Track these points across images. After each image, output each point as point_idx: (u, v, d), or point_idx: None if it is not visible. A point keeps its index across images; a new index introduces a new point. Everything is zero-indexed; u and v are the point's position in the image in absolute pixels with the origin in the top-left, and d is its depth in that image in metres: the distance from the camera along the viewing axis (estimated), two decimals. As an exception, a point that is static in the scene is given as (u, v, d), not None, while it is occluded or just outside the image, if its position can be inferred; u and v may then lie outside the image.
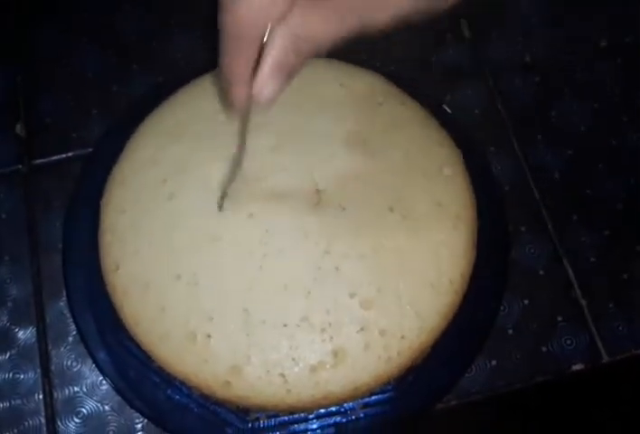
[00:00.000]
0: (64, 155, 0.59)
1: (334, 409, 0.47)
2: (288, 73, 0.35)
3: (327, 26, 0.33)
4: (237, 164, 0.45)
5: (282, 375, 0.42)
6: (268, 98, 0.36)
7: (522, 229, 0.55)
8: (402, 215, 0.46)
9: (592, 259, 0.55)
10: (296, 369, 0.42)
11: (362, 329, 0.43)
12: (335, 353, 0.43)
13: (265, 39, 0.33)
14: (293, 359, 0.42)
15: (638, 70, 0.62)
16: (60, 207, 0.56)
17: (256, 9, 0.33)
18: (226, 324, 0.43)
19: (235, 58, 0.35)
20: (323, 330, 0.43)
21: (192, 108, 0.51)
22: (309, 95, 0.50)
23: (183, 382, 0.45)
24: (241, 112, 0.39)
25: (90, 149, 0.57)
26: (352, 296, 0.43)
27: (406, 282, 0.44)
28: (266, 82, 0.35)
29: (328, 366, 0.42)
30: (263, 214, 0.45)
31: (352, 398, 0.44)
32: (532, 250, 0.55)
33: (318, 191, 0.46)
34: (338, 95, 0.51)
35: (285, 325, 0.43)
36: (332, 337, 0.43)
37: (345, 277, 0.44)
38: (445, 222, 0.46)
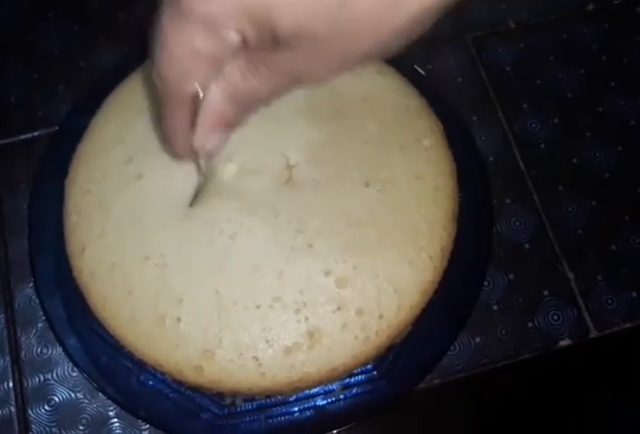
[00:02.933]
0: (30, 135, 0.57)
1: (313, 391, 0.45)
2: (229, 124, 0.34)
3: (265, 83, 0.31)
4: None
5: (255, 358, 0.41)
6: (212, 149, 0.36)
7: (507, 201, 0.54)
8: (378, 190, 0.43)
9: (579, 231, 0.53)
10: (270, 351, 0.41)
11: (338, 309, 0.41)
12: (311, 334, 0.41)
13: (200, 95, 0.32)
14: (266, 341, 0.41)
15: (625, 34, 0.60)
16: (26, 189, 0.54)
17: (178, 69, 0.31)
18: (196, 306, 0.41)
19: (169, 117, 0.34)
20: (297, 310, 0.41)
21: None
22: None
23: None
24: (189, 160, 0.39)
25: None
26: (326, 274, 0.41)
27: (383, 259, 0.42)
28: (206, 137, 0.34)
29: (304, 348, 0.41)
30: (232, 192, 0.43)
31: (330, 380, 0.42)
32: (517, 223, 0.53)
33: (290, 166, 0.44)
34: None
35: (257, 307, 0.41)
36: (307, 318, 0.41)
37: (319, 254, 0.42)
38: (423, 196, 0.44)
